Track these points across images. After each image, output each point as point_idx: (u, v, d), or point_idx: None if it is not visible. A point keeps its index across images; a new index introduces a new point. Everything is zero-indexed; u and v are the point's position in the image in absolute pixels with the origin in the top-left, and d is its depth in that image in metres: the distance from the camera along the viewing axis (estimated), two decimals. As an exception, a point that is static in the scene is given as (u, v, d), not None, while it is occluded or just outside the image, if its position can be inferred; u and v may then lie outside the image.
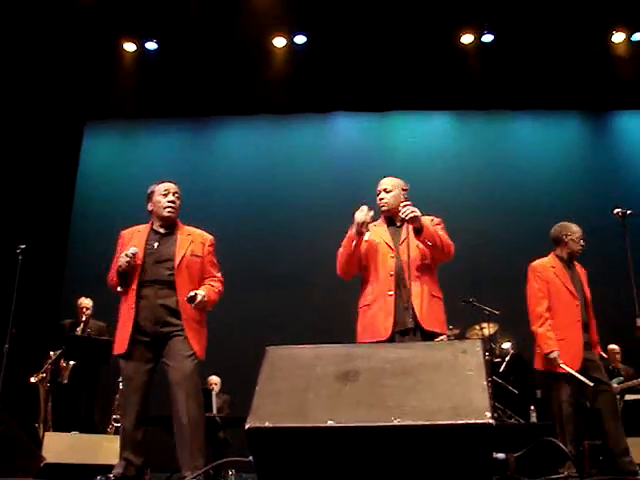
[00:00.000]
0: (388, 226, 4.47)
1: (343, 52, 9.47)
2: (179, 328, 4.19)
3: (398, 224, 4.43)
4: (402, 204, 4.22)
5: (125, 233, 4.55)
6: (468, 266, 9.21)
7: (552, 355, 5.08)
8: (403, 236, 4.34)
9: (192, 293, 4.15)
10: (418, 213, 4.19)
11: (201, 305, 4.19)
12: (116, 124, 10.73)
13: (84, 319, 7.41)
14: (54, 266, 9.57)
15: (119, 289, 4.27)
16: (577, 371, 5.05)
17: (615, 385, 6.81)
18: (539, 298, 5.29)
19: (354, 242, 4.25)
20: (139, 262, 4.26)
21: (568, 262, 5.47)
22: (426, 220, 4.31)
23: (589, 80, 9.52)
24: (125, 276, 4.24)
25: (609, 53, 9.45)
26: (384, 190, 4.48)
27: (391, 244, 4.35)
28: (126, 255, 4.20)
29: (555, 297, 5.28)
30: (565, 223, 5.61)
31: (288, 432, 2.48)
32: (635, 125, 10.38)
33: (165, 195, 4.44)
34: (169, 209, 4.42)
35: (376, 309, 4.25)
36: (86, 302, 7.47)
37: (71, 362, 7.06)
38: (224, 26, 9.15)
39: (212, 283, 4.43)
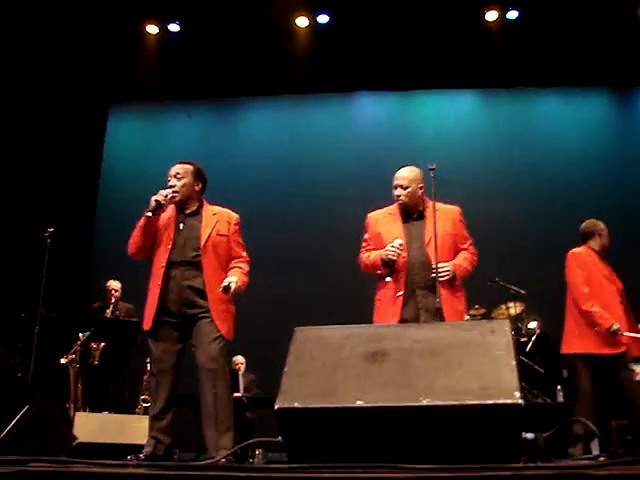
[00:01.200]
0: (403, 222, 4.39)
1: (366, 31, 9.39)
2: (206, 309, 4.20)
3: (414, 215, 4.40)
4: (440, 269, 4.15)
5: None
6: (493, 246, 9.16)
7: (615, 327, 5.19)
8: (419, 232, 4.32)
9: (225, 283, 4.15)
10: (452, 273, 4.20)
11: (236, 292, 4.20)
12: (140, 106, 10.76)
13: (113, 301, 7.48)
14: (81, 248, 9.66)
15: (149, 214, 4.21)
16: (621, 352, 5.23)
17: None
18: (584, 282, 5.42)
19: (379, 270, 4.28)
20: (170, 237, 4.27)
21: (601, 255, 5.62)
22: (458, 262, 4.32)
23: (615, 55, 9.34)
24: (158, 211, 4.26)
25: (636, 27, 9.27)
26: (400, 186, 4.36)
27: (405, 245, 4.27)
28: (163, 191, 4.26)
29: (596, 283, 5.42)
30: (594, 220, 5.78)
31: (317, 412, 2.50)
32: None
33: (168, 181, 4.42)
34: (172, 194, 4.36)
35: (383, 308, 4.29)
36: (115, 284, 7.54)
37: (101, 344, 7.13)
38: (246, 6, 9.11)
39: (239, 265, 4.42)
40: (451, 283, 4.25)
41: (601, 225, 5.72)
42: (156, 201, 4.23)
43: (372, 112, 10.47)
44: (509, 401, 2.35)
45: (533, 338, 7.67)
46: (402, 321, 4.11)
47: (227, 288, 4.14)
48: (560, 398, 7.01)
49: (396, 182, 4.37)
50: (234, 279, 4.21)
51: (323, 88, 10.16)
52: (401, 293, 4.18)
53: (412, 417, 2.41)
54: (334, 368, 2.61)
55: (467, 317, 7.75)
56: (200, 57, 9.78)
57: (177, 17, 9.57)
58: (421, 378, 2.50)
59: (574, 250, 5.61)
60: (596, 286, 5.41)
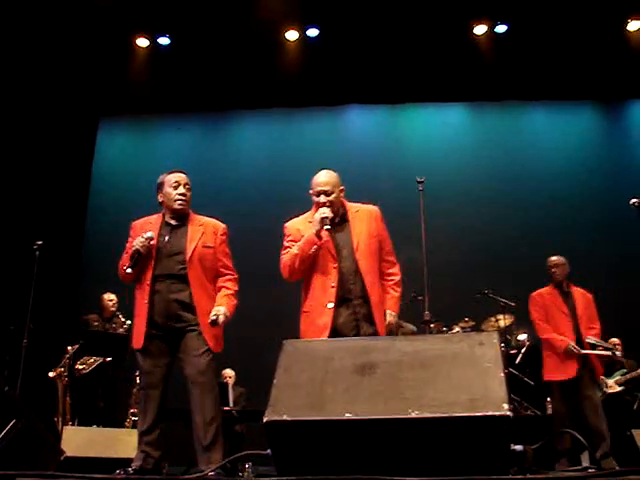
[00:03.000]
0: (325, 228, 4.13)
1: (355, 44, 9.44)
2: (193, 323, 4.17)
3: (337, 220, 4.21)
4: (389, 324, 4.09)
5: (136, 224, 4.48)
6: (483, 258, 9.21)
7: (570, 346, 6.02)
8: (346, 238, 4.19)
9: (213, 317, 4.10)
10: (393, 324, 4.14)
11: (225, 322, 4.18)
12: (130, 120, 10.78)
13: (110, 314, 7.41)
14: (71, 261, 9.63)
15: (129, 271, 4.16)
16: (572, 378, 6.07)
17: (618, 377, 7.36)
18: (540, 318, 6.39)
19: (315, 246, 4.09)
20: (153, 251, 4.23)
21: (561, 287, 6.41)
22: (393, 306, 4.23)
23: (603, 70, 9.44)
24: (138, 260, 4.17)
25: (623, 42, 9.37)
26: (324, 193, 4.18)
27: (334, 253, 4.15)
28: (143, 237, 4.17)
29: (551, 317, 6.34)
30: (549, 258, 6.52)
31: (306, 425, 2.50)
32: (651, 114, 10.31)
33: (175, 187, 4.35)
34: (180, 202, 4.34)
35: (311, 320, 4.14)
36: (112, 297, 7.46)
37: (97, 359, 7.06)
38: (236, 20, 9.14)
39: (228, 286, 4.37)
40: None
41: (550, 261, 6.48)
42: (136, 252, 4.17)
43: (362, 125, 10.51)
44: (497, 413, 2.36)
45: (523, 350, 7.70)
46: (336, 332, 3.99)
47: (214, 322, 4.11)
48: (549, 410, 7.03)
49: (318, 189, 4.20)
50: (222, 310, 4.16)
51: (313, 101, 10.21)
52: (332, 305, 4.04)
53: (401, 429, 2.41)
54: (323, 381, 2.60)
55: (457, 329, 7.80)
56: (190, 70, 9.80)
57: (167, 30, 9.59)
58: (410, 390, 2.50)
59: (533, 293, 6.51)
60: (551, 319, 6.31)
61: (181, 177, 4.42)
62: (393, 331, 4.11)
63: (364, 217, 4.28)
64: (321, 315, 4.05)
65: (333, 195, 4.19)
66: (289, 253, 4.21)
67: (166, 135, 10.85)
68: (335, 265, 4.10)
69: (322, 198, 4.17)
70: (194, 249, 4.28)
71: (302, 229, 4.22)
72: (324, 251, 4.13)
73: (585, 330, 6.21)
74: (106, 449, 5.71)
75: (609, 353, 6.26)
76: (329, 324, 4.00)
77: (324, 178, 4.24)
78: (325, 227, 4.03)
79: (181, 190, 4.36)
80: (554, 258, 6.45)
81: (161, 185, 4.43)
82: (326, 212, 4.07)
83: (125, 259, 4.28)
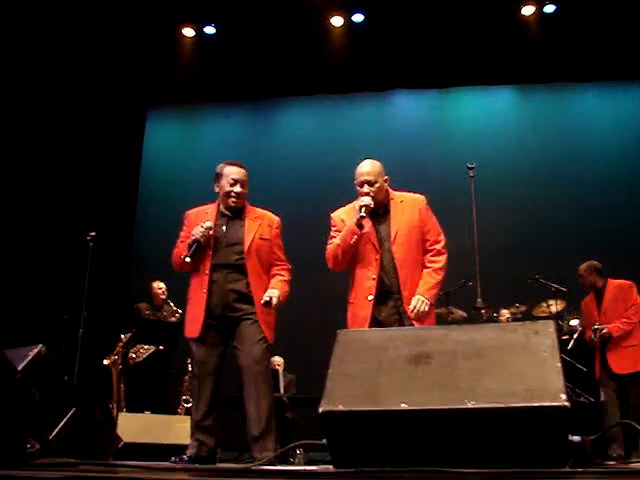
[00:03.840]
0: (370, 219, 4.13)
1: (400, 29, 9.35)
2: (249, 312, 4.21)
3: (381, 211, 4.20)
4: (414, 309, 4.00)
5: (191, 213, 4.52)
6: (534, 242, 9.08)
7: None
8: (386, 230, 4.15)
9: (267, 298, 4.14)
10: (427, 308, 4.01)
11: (277, 306, 4.21)
12: (177, 109, 10.88)
13: (160, 301, 7.50)
14: (123, 250, 9.79)
15: (187, 260, 4.18)
16: None
17: None
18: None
19: (355, 236, 4.07)
20: (211, 241, 4.26)
21: (595, 291, 6.80)
22: (426, 291, 4.08)
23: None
24: (197, 250, 4.20)
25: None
26: (368, 183, 4.15)
27: (376, 244, 4.13)
28: (202, 226, 4.20)
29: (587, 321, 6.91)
30: None
31: (361, 415, 2.50)
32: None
33: (233, 184, 4.35)
34: (234, 200, 4.36)
35: (354, 312, 4.14)
36: (161, 285, 7.55)
37: (151, 347, 7.17)
38: (281, 7, 9.14)
39: (281, 273, 4.42)
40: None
41: (579, 270, 6.82)
42: (196, 241, 4.20)
43: (408, 110, 10.43)
44: (555, 403, 2.33)
45: (575, 336, 7.57)
46: (377, 324, 4.00)
47: (268, 303, 4.14)
48: (602, 397, 6.92)
49: (362, 179, 4.17)
50: (276, 293, 4.21)
51: (359, 87, 10.15)
52: (372, 298, 4.05)
53: (457, 420, 2.40)
54: (378, 371, 2.60)
55: (508, 315, 7.72)
56: (236, 58, 9.83)
57: (213, 19, 9.63)
58: (465, 380, 2.48)
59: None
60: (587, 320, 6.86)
61: (240, 174, 4.40)
62: (422, 319, 4.00)
63: (407, 207, 4.24)
64: (362, 307, 4.07)
65: (377, 185, 4.17)
66: (333, 244, 4.22)
67: (213, 124, 10.94)
68: (377, 257, 4.10)
69: (365, 188, 4.14)
70: (252, 241, 4.32)
71: (346, 219, 4.22)
72: (366, 241, 4.11)
73: (615, 322, 6.48)
74: (160, 436, 5.82)
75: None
76: (369, 317, 4.01)
77: (367, 168, 4.21)
78: (361, 214, 3.98)
79: (238, 189, 4.37)
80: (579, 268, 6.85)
81: (219, 176, 4.43)
82: (365, 201, 4.04)
83: (183, 248, 4.31)
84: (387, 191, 4.27)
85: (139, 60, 9.75)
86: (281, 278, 4.40)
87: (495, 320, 7.56)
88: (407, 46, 9.44)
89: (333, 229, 4.32)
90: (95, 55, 9.38)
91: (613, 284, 6.61)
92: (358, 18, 9.53)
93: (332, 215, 4.38)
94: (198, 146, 10.52)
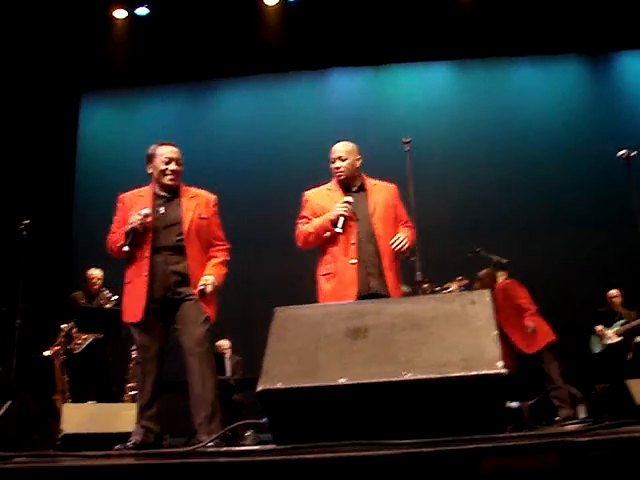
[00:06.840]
0: (344, 193, 4.37)
1: (335, 7, 9.33)
2: (190, 293, 4.15)
3: (354, 189, 4.40)
4: (397, 241, 4.21)
5: (125, 196, 4.41)
6: (470, 217, 9.21)
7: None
8: (362, 203, 4.32)
9: (201, 286, 4.11)
10: (409, 243, 4.28)
11: (214, 291, 4.18)
12: (113, 93, 10.67)
13: (95, 290, 7.40)
14: (60, 238, 9.58)
15: (125, 249, 4.11)
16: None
17: (617, 328, 7.60)
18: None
19: (328, 232, 4.23)
20: (149, 226, 4.18)
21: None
22: (405, 234, 4.34)
23: (589, 22, 9.33)
24: (135, 238, 4.13)
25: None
26: (339, 158, 4.40)
27: (353, 216, 4.28)
28: (139, 214, 4.12)
29: None
30: None
31: (300, 392, 2.49)
32: (638, 65, 10.22)
33: (167, 162, 4.28)
34: (170, 177, 4.29)
35: (338, 278, 4.22)
36: (96, 272, 7.45)
37: (90, 335, 7.05)
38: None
39: (218, 255, 4.38)
40: (397, 256, 4.30)
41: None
42: (133, 229, 4.12)
43: (345, 88, 10.42)
44: (492, 371, 2.35)
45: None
46: (358, 287, 4.14)
47: (203, 292, 4.11)
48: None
49: (334, 155, 4.42)
50: (210, 279, 4.18)
51: (295, 66, 10.12)
52: (355, 261, 4.18)
53: (395, 392, 2.41)
54: (316, 347, 2.59)
55: (452, 287, 7.82)
56: (171, 40, 9.68)
57: (145, 0, 9.44)
58: (403, 352, 2.49)
59: None
60: None
61: (173, 152, 4.35)
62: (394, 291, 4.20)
63: (382, 189, 4.48)
64: (345, 272, 4.18)
65: (347, 161, 4.37)
66: (305, 228, 4.36)
67: (150, 107, 10.77)
68: (355, 226, 4.25)
69: (337, 163, 4.38)
70: (191, 221, 4.26)
71: (324, 205, 4.36)
72: None
73: None
74: (107, 425, 5.70)
75: None
76: (355, 278, 4.15)
77: (340, 146, 4.45)
78: (336, 230, 4.17)
79: (173, 167, 4.30)
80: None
81: (151, 157, 4.36)
82: (341, 210, 4.18)
83: (120, 235, 4.22)
84: (359, 170, 4.46)
85: (71, 43, 9.53)
86: (216, 261, 4.34)
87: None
88: (342, 24, 9.43)
89: (306, 209, 4.45)
90: (25, 38, 9.11)
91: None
92: (292, -4, 9.47)
93: (306, 194, 4.50)
94: (135, 130, 10.31)
